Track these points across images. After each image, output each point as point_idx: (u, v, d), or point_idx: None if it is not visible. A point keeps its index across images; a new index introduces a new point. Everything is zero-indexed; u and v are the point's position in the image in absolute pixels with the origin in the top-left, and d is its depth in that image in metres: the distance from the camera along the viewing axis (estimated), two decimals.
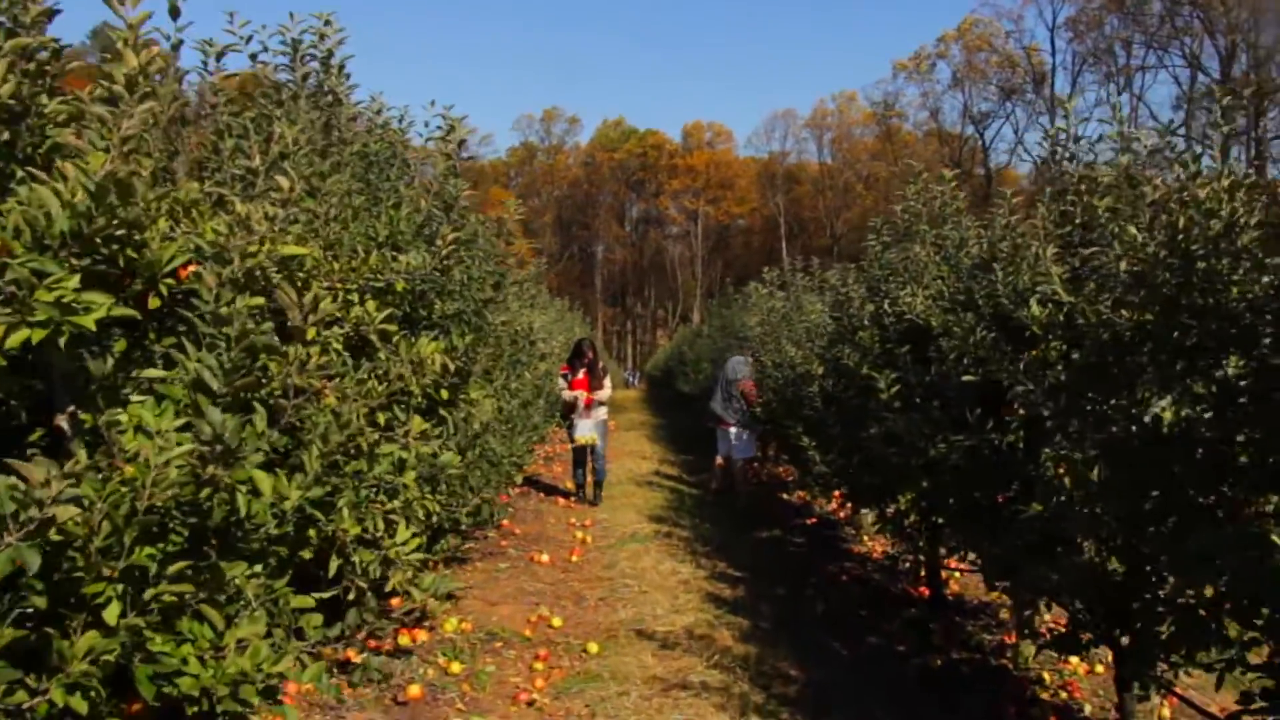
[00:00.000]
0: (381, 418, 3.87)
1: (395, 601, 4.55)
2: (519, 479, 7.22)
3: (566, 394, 10.36)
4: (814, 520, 9.43)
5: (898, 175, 58.63)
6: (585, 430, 10.20)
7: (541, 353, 11.35)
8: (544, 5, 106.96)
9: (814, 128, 69.26)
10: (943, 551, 6.40)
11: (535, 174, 75.23)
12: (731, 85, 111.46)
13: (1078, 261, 4.31)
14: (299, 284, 3.19)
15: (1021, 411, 4.42)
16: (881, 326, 6.18)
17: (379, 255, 4.05)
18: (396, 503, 3.94)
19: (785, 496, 11.03)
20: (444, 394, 4.67)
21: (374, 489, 3.85)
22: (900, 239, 6.48)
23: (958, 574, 6.99)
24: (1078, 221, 4.40)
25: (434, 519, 4.31)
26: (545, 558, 7.29)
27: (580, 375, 10.35)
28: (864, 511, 8.63)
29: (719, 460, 11.28)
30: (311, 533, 3.42)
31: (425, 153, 5.58)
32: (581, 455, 10.42)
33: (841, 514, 9.53)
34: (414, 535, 3.92)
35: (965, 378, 4.68)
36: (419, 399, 4.34)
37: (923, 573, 6.77)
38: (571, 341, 11.58)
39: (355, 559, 3.64)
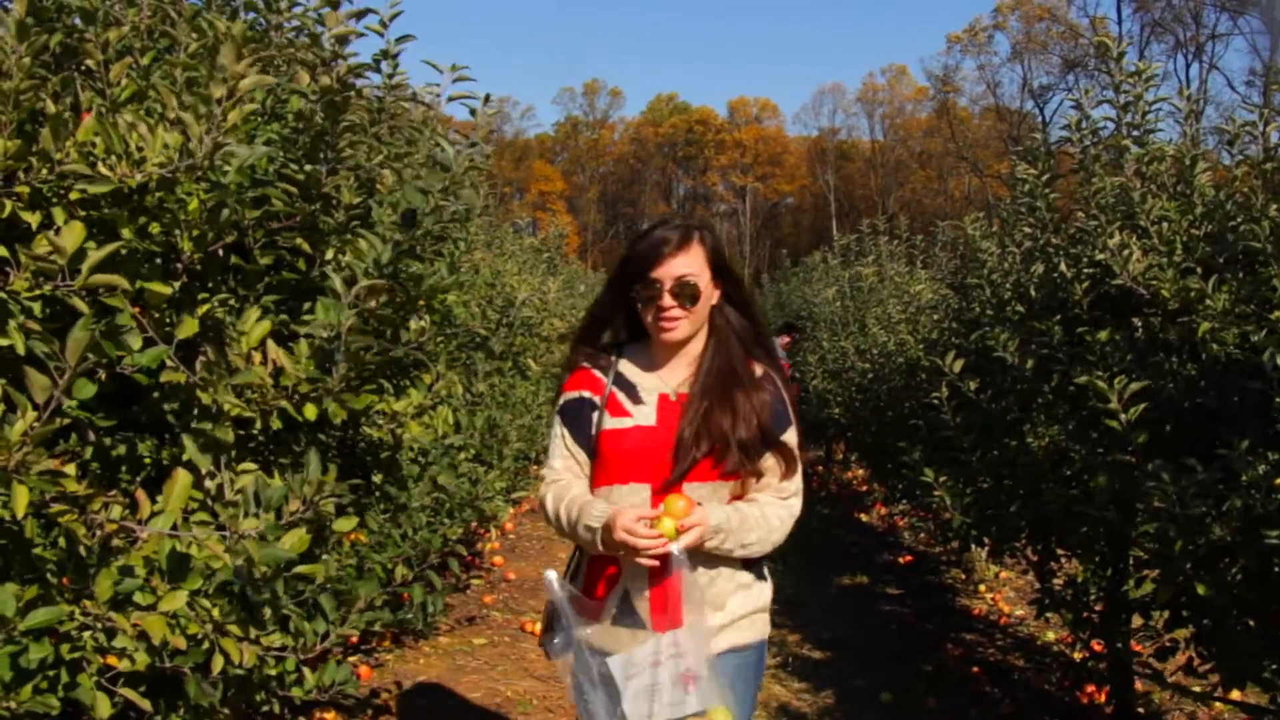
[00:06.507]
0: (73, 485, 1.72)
1: None
2: (504, 516, 5.04)
3: (553, 506, 2.09)
4: (908, 559, 7.17)
5: (952, 154, 55.72)
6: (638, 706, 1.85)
7: (559, 331, 9.21)
8: None
9: (864, 103, 66.02)
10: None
11: (580, 149, 72.72)
12: (777, 60, 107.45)
13: None
14: None
15: None
16: (1058, 299, 3.93)
17: (100, 123, 1.88)
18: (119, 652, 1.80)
19: (864, 518, 8.77)
20: (309, 412, 2.51)
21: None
22: (1074, 168, 4.21)
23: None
24: None
25: (245, 666, 2.15)
26: (540, 627, 5.12)
27: (650, 415, 2.09)
28: (976, 550, 6.42)
29: None
30: None
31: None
32: None
33: (940, 549, 7.28)
34: None
35: None
36: (225, 432, 2.19)
37: (1099, 667, 4.51)
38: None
39: None
